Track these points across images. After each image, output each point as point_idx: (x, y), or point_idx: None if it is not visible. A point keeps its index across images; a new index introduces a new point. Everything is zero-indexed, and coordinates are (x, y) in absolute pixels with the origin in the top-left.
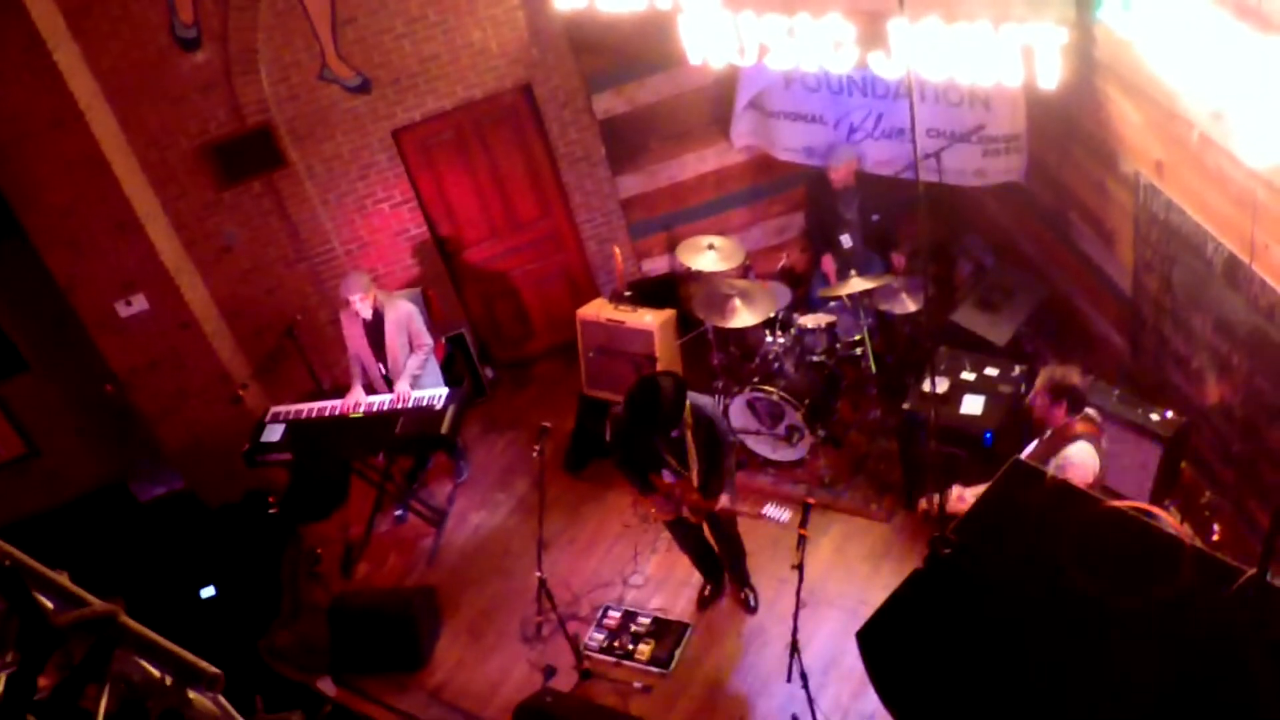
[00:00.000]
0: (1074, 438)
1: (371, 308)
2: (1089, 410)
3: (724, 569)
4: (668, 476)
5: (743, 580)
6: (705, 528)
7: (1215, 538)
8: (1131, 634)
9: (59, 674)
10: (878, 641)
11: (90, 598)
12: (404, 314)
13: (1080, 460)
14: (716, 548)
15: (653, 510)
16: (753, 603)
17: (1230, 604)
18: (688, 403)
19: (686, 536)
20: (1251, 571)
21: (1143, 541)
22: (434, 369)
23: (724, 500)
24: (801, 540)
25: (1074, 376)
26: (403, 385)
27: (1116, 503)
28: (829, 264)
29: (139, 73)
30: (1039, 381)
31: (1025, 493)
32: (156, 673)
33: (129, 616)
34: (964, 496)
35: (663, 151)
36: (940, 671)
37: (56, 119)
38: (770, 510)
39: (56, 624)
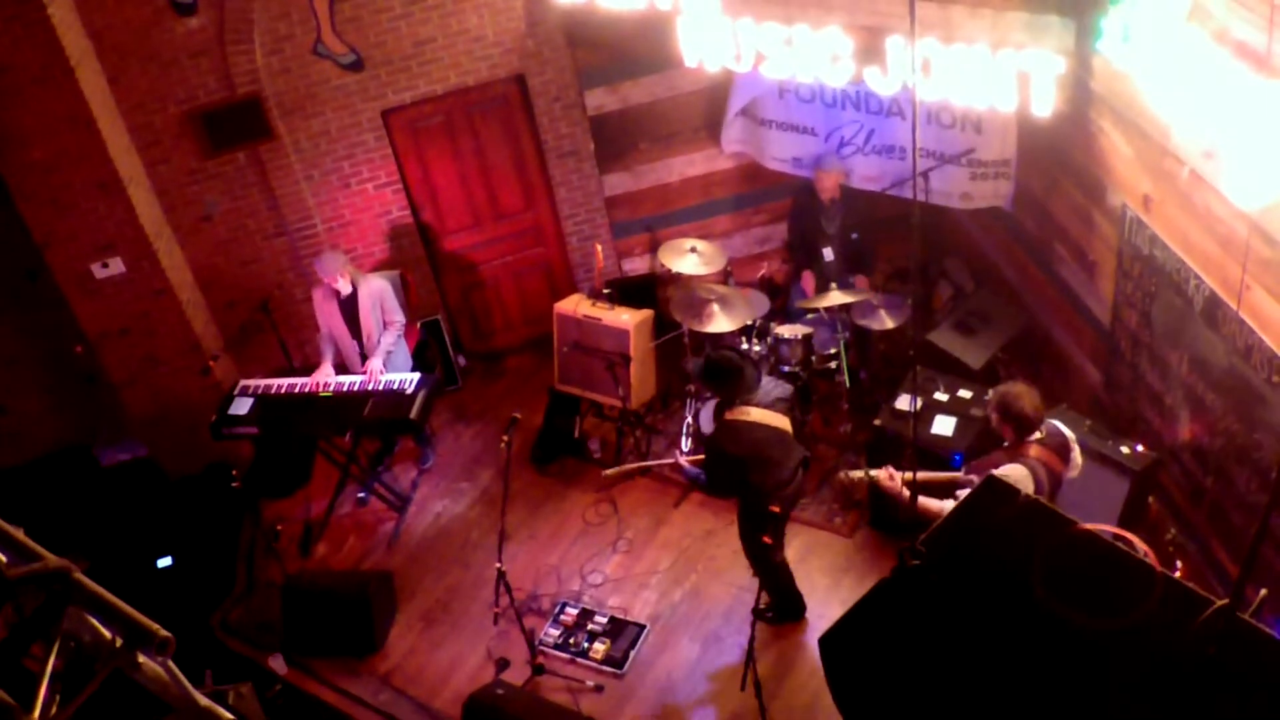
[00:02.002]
0: (1019, 459)
1: (349, 283)
2: (1056, 428)
3: None
4: None
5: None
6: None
7: (1178, 575)
8: (1097, 658)
9: (9, 632)
10: (839, 649)
11: (44, 552)
12: (377, 290)
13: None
14: None
15: None
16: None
17: (1198, 634)
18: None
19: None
20: (1221, 603)
21: (1114, 566)
22: (403, 349)
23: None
24: (765, 548)
25: (1023, 401)
26: (375, 362)
27: (1090, 526)
28: (809, 280)
29: (132, 33)
30: (992, 396)
31: (998, 509)
32: (107, 633)
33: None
34: (894, 475)
35: (651, 152)
36: (900, 683)
37: (45, 73)
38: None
39: (7, 576)
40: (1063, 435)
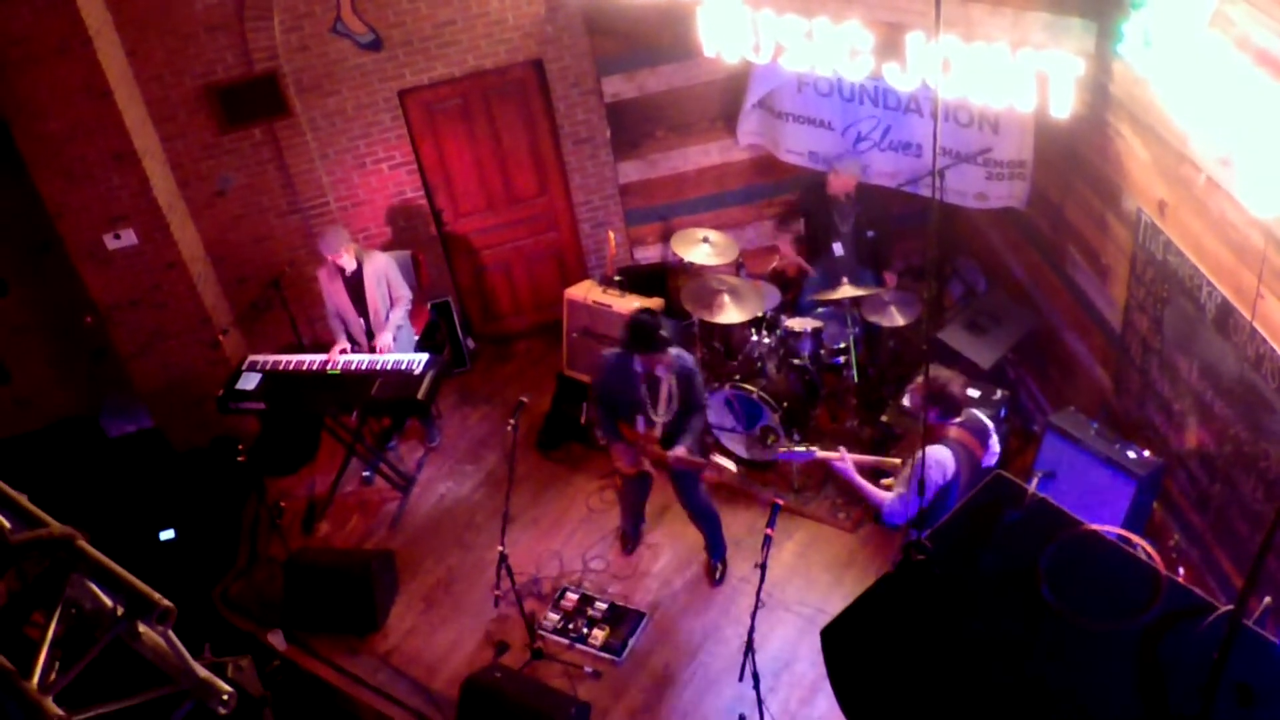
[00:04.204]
0: (940, 440)
1: (354, 260)
2: (976, 415)
3: (704, 540)
4: (640, 425)
5: (716, 552)
6: (681, 502)
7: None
8: (1099, 658)
9: (9, 598)
10: (841, 642)
11: (49, 519)
12: (381, 266)
13: (934, 460)
14: (693, 522)
15: (621, 463)
16: (719, 576)
17: (1202, 639)
18: (673, 350)
19: (632, 492)
20: (1227, 608)
21: (1119, 567)
22: (409, 329)
23: (680, 450)
24: (766, 540)
25: (953, 386)
26: (385, 337)
27: (1095, 527)
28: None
29: (152, 5)
30: (918, 379)
31: (1004, 506)
32: (109, 602)
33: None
34: (845, 456)
35: (667, 141)
36: (900, 678)
37: (64, 44)
38: (719, 459)
39: (11, 542)
40: (982, 423)
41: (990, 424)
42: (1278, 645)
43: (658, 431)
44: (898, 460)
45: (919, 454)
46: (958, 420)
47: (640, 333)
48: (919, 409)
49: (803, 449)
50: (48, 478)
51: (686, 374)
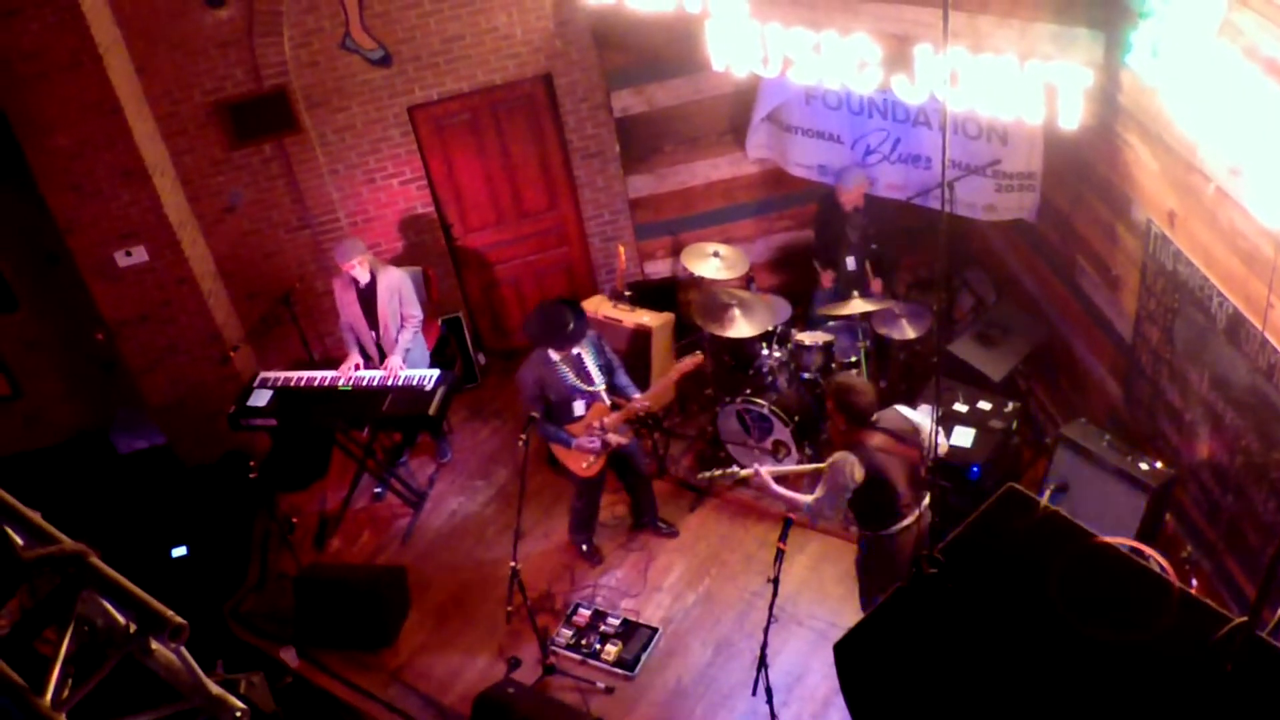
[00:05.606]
0: (852, 445)
1: (368, 271)
2: (899, 416)
3: (643, 515)
4: (579, 407)
5: (652, 513)
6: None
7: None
8: (1113, 671)
9: (23, 614)
10: (854, 656)
11: (61, 536)
12: (396, 280)
13: (837, 468)
14: (629, 496)
15: (583, 465)
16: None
17: (1215, 651)
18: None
19: (593, 493)
20: (1239, 620)
21: (1131, 579)
22: (422, 346)
23: (635, 396)
24: (779, 554)
25: (856, 394)
26: (395, 359)
27: (1108, 539)
28: (828, 279)
29: (161, 22)
30: (829, 383)
31: (1016, 519)
32: (121, 619)
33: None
34: (759, 472)
35: (676, 155)
36: (914, 692)
37: (74, 60)
38: (683, 361)
39: (23, 559)
40: (905, 422)
41: (921, 420)
42: None
43: (606, 402)
44: (824, 465)
45: (828, 461)
46: (873, 425)
47: (552, 323)
48: (833, 412)
49: (731, 470)
50: (59, 494)
51: (595, 339)
